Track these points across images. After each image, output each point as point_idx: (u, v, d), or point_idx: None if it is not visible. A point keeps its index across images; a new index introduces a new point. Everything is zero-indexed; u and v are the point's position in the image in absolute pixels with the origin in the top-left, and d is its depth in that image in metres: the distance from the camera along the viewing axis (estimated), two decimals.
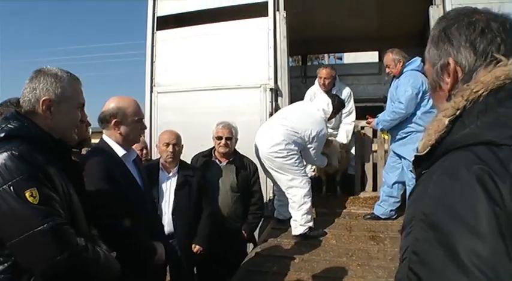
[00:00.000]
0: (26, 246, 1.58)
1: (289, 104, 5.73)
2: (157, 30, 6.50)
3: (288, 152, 4.71)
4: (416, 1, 6.24)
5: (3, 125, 1.74)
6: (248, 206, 4.57)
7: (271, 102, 5.66)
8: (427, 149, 1.01)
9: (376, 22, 8.01)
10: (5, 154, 1.61)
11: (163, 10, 6.53)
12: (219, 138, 4.43)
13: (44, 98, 1.81)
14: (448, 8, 5.20)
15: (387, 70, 5.08)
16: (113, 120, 2.55)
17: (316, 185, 5.55)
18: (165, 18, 6.54)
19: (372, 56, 10.94)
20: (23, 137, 1.72)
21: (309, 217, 4.70)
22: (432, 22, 5.30)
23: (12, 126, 1.74)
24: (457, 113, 0.97)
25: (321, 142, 4.91)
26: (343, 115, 5.78)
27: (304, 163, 4.95)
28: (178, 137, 4.07)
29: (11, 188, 1.56)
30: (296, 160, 4.74)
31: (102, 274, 1.83)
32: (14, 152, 1.62)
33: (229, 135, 4.43)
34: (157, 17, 6.52)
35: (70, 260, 1.64)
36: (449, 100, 1.03)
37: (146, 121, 6.14)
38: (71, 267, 1.65)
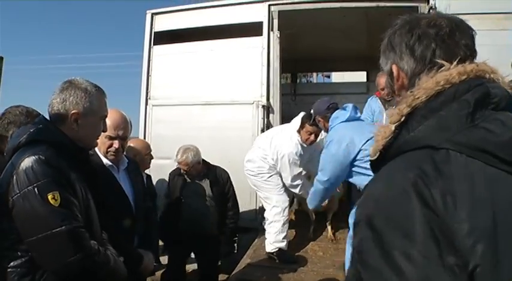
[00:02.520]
0: (43, 245, 1.68)
1: (279, 120, 5.88)
2: (154, 44, 6.61)
3: (258, 171, 4.84)
4: None
5: (32, 130, 1.85)
6: (224, 212, 4.76)
7: (263, 118, 5.79)
8: (377, 155, 1.07)
9: (365, 44, 8.19)
10: (32, 158, 1.71)
11: (160, 26, 6.65)
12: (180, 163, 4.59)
13: (73, 111, 1.92)
14: None
15: (383, 93, 4.87)
16: None
17: (304, 224, 5.45)
18: (162, 34, 6.65)
19: (358, 75, 11.14)
20: (49, 142, 1.83)
21: (280, 237, 4.67)
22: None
23: (40, 132, 1.86)
24: (402, 119, 1.01)
25: (284, 164, 4.65)
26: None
27: (281, 183, 4.82)
28: None
29: (36, 189, 1.67)
30: (268, 178, 4.81)
31: (110, 277, 1.93)
32: (41, 156, 1.73)
33: (186, 168, 4.57)
34: (154, 32, 6.63)
35: (82, 262, 1.74)
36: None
37: (140, 133, 6.31)
38: (82, 268, 1.75)
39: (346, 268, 3.72)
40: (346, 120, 3.64)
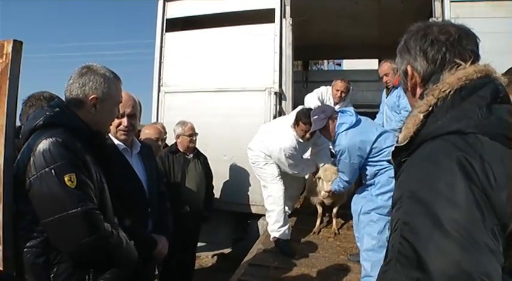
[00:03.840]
0: (59, 226, 1.69)
1: (292, 107, 5.88)
2: (166, 32, 6.64)
3: (255, 159, 4.91)
4: (416, 13, 6.38)
5: (48, 113, 1.87)
6: (209, 190, 4.95)
7: (276, 105, 5.81)
8: (407, 140, 1.19)
9: (377, 32, 8.12)
10: (50, 140, 1.73)
11: (172, 13, 6.67)
12: (190, 135, 4.62)
13: (92, 96, 1.93)
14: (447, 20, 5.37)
15: (385, 79, 5.07)
16: None
17: (312, 219, 5.32)
18: (174, 21, 6.68)
19: (369, 63, 11.07)
20: (66, 125, 1.85)
21: (275, 226, 4.73)
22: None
23: (57, 115, 1.88)
24: (430, 109, 1.16)
25: (281, 158, 4.67)
26: None
27: (276, 172, 4.85)
28: None
29: (53, 171, 1.68)
30: (263, 166, 4.88)
31: (123, 259, 1.94)
32: (58, 139, 1.74)
33: (191, 132, 4.65)
34: (166, 19, 6.66)
35: (96, 243, 1.75)
36: (422, 99, 1.23)
37: (153, 120, 6.34)
38: (96, 250, 1.77)
39: (362, 250, 3.71)
40: (352, 126, 3.85)
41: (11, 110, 1.81)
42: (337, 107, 5.80)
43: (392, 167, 3.63)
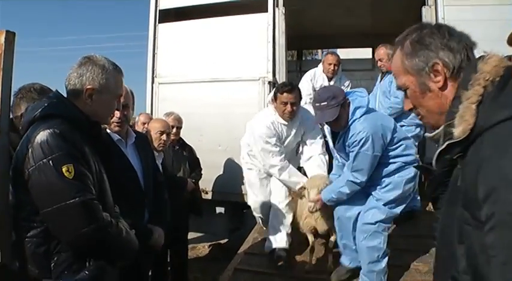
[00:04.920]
0: (57, 216, 1.71)
1: None
2: (159, 23, 6.64)
3: (242, 155, 4.58)
4: (409, 1, 6.41)
5: (46, 104, 1.88)
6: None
7: (269, 94, 5.78)
8: (467, 133, 1.13)
9: (370, 20, 8.11)
10: (47, 131, 1.74)
11: (165, 3, 6.66)
12: (172, 126, 4.38)
13: (88, 86, 1.93)
14: (440, 8, 5.38)
15: (379, 64, 5.11)
16: None
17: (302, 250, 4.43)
18: (167, 12, 6.66)
19: (363, 52, 11.07)
20: (64, 116, 1.86)
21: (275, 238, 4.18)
22: (424, 22, 5.48)
23: (54, 106, 1.88)
24: (480, 99, 1.13)
25: (257, 148, 4.13)
26: None
27: (257, 182, 4.39)
28: None
29: (50, 162, 1.70)
30: (246, 170, 4.51)
31: (123, 248, 1.96)
32: (56, 130, 1.75)
33: (176, 124, 4.58)
34: (159, 10, 6.64)
35: (95, 233, 1.76)
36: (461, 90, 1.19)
37: (147, 111, 6.33)
38: (95, 239, 1.78)
39: (365, 263, 3.45)
40: (368, 110, 3.33)
41: (5, 101, 1.83)
42: (332, 83, 5.84)
43: (405, 167, 3.44)
